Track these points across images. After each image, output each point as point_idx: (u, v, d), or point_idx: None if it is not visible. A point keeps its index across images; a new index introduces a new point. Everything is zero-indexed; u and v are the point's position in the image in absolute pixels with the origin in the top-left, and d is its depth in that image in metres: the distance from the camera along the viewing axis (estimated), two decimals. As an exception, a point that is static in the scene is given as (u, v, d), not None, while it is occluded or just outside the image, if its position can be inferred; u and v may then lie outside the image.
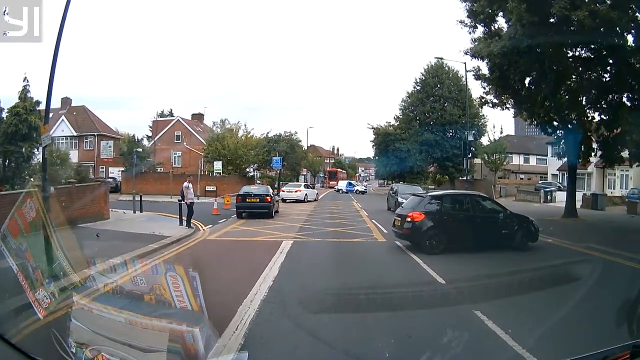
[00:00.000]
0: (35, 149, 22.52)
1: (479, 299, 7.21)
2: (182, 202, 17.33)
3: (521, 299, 7.44)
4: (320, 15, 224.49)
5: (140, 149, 40.88)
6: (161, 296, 3.15)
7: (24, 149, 22.05)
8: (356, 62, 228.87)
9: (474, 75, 22.88)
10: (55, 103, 54.48)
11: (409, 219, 12.54)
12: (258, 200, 22.04)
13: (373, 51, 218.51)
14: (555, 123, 22.12)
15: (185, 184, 17.72)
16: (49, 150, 37.77)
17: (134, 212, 21.77)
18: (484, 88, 23.19)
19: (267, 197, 22.28)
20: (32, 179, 20.16)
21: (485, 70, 22.04)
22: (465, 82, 40.63)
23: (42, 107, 23.65)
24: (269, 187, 28.84)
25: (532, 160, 60.94)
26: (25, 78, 23.23)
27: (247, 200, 22.15)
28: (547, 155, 54.40)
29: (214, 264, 10.76)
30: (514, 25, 16.97)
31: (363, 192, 57.22)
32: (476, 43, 20.60)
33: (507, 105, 23.98)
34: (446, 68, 47.85)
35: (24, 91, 23.00)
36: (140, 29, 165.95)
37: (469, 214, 12.92)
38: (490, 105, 23.79)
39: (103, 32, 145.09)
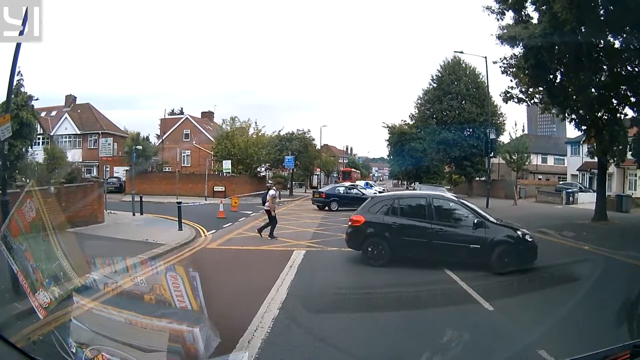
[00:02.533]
0: (29, 147, 22.51)
1: (539, 332, 6.21)
2: (266, 210, 16.04)
3: (589, 331, 6.25)
4: (333, 12, 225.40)
5: (139, 147, 40.59)
6: (161, 296, 3.25)
7: (23, 148, 21.96)
8: (369, 61, 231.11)
9: (501, 66, 22.56)
10: (60, 101, 55.38)
11: (350, 223, 11.76)
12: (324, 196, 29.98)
13: (387, 49, 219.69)
14: (586, 118, 21.86)
15: (272, 192, 16.15)
16: (46, 148, 38.13)
17: (133, 215, 21.15)
18: (512, 81, 22.96)
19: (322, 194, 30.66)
20: (23, 179, 19.57)
21: (513, 62, 21.98)
22: (486, 78, 40.44)
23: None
24: (355, 184, 36.66)
25: (550, 160, 60.60)
26: (19, 72, 23.19)
27: (317, 195, 31.14)
28: (563, 155, 55.31)
29: (208, 282, 8.14)
30: (561, 2, 16.20)
31: (381, 193, 56.90)
32: (505, 31, 20.09)
33: (535, 100, 23.73)
34: (463, 64, 47.75)
35: (18, 86, 22.84)
36: (152, 29, 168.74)
37: (424, 220, 11.01)
38: (516, 100, 23.56)
39: (115, 32, 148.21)
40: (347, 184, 36.80)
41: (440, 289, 9.08)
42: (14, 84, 23.21)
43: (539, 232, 17.58)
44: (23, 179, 19.74)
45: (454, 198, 12.19)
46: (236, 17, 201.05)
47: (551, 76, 20.83)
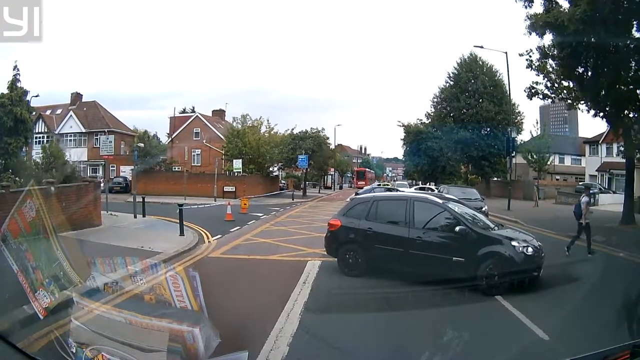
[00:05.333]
0: (24, 144, 22.42)
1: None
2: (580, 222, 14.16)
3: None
4: (347, 11, 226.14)
5: (141, 144, 40.73)
6: (161, 296, 3.34)
7: (23, 146, 21.86)
8: (384, 60, 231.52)
9: (528, 59, 22.31)
10: (65, 99, 56.04)
11: (328, 227, 11.23)
12: None
13: (402, 48, 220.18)
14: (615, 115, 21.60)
15: (585, 198, 14.44)
16: (44, 147, 38.49)
17: (135, 217, 20.56)
18: (538, 75, 22.72)
19: None
20: (16, 178, 19.19)
21: (537, 55, 21.87)
22: (506, 74, 40.25)
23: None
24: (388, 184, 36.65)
25: (567, 160, 60.66)
26: (16, 67, 22.87)
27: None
28: (580, 155, 55.90)
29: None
30: None
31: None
32: (533, 20, 19.87)
33: (562, 95, 23.54)
34: (480, 62, 47.83)
35: (14, 81, 22.55)
36: (164, 28, 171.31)
37: (401, 226, 10.10)
38: (541, 96, 23.45)
39: (127, 32, 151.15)
40: (401, 184, 37.58)
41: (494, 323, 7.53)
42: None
43: (569, 236, 17.28)
44: (16, 178, 19.26)
45: (438, 201, 10.74)
46: (249, 16, 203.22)
47: (582, 69, 20.63)
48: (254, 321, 6.99)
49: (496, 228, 10.29)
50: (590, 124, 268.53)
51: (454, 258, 9.28)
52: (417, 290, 8.92)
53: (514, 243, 9.27)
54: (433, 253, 9.54)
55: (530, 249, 9.23)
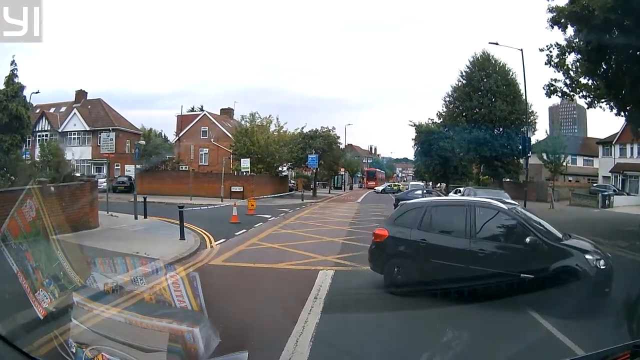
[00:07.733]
0: (20, 142, 22.29)
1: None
2: None
3: None
4: (357, 10, 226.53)
5: (142, 142, 40.61)
6: (161, 296, 3.42)
7: (23, 144, 21.73)
8: (393, 60, 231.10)
9: (548, 55, 22.13)
10: (70, 97, 56.40)
11: (373, 238, 9.97)
12: None
13: (411, 48, 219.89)
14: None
15: None
16: (42, 144, 38.51)
17: (135, 218, 20.10)
18: (556, 72, 22.63)
19: None
20: (12, 177, 19.04)
21: (557, 51, 21.77)
22: (521, 73, 39.89)
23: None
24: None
25: (579, 161, 60.33)
26: (13, 62, 22.46)
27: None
28: (592, 156, 56.22)
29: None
30: None
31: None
32: (554, 14, 19.52)
33: (583, 93, 23.33)
34: (492, 61, 47.37)
35: (11, 76, 22.16)
36: (173, 28, 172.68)
37: (460, 237, 8.82)
38: (560, 94, 23.32)
39: (135, 31, 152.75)
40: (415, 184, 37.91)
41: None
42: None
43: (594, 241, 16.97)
44: (12, 177, 19.06)
45: (503, 207, 9.30)
46: (258, 15, 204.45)
47: (606, 65, 20.37)
48: (255, 351, 5.58)
49: (564, 238, 8.94)
50: (599, 125, 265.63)
51: (522, 275, 7.96)
52: (463, 313, 7.68)
53: (587, 256, 8.09)
54: (498, 269, 8.24)
55: (602, 262, 8.04)
